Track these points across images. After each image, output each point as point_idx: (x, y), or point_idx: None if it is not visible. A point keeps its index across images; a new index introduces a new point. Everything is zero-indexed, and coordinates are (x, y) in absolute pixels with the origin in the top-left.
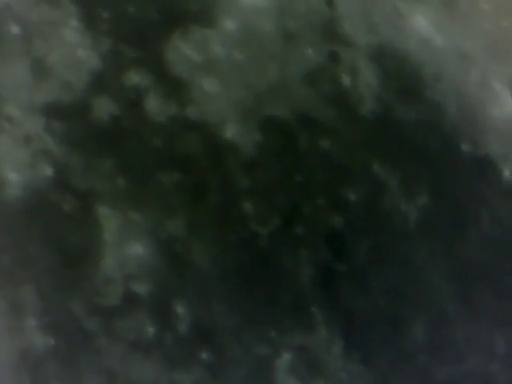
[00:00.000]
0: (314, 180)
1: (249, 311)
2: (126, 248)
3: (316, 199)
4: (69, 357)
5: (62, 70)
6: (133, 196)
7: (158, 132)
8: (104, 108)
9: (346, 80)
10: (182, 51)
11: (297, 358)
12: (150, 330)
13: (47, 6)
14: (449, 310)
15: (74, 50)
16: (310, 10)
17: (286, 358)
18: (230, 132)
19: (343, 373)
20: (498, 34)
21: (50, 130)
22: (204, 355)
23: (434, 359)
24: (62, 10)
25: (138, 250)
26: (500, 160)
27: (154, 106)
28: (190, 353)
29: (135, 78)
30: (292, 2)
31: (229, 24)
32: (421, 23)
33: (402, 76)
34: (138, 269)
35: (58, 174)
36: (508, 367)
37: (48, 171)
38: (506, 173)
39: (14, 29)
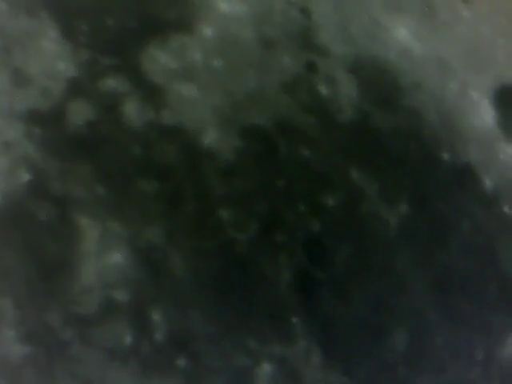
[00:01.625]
0: (292, 187)
1: (226, 319)
2: (104, 257)
3: (295, 206)
4: (46, 365)
5: (40, 79)
6: (111, 204)
7: (136, 138)
8: (82, 115)
9: (324, 89)
10: (160, 58)
11: (276, 368)
12: (127, 338)
13: (26, 18)
14: (429, 319)
15: (53, 60)
16: (287, 20)
17: (265, 368)
18: (208, 139)
19: (323, 383)
20: (478, 43)
21: (30, 137)
22: (181, 363)
23: (415, 368)
24: (40, 22)
25: (116, 258)
26: (479, 168)
27: (132, 112)
28: (167, 361)
29: (113, 85)
30: (269, 11)
31: (207, 32)
32: (400, 33)
33: (381, 85)
34: (115, 277)
35: (37, 180)
36: (488, 375)
37: (26, 178)
38: (486, 181)
39: None
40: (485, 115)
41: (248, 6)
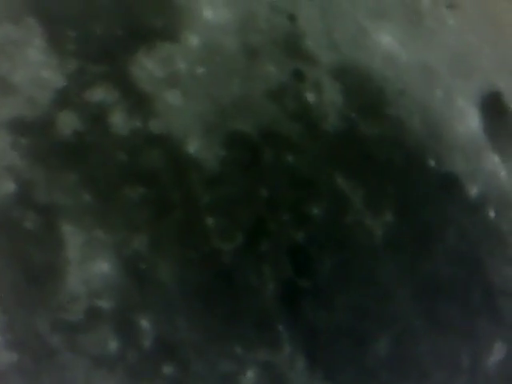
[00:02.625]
0: (278, 195)
1: (212, 327)
2: (90, 264)
3: (280, 214)
4: (33, 372)
5: (26, 88)
6: (97, 212)
7: (122, 146)
8: (68, 123)
9: (309, 96)
10: (147, 67)
11: (262, 374)
12: (114, 345)
13: (12, 26)
14: (414, 326)
15: (39, 68)
16: (272, 27)
17: (251, 374)
18: (193, 147)
19: None
20: (463, 49)
21: (15, 146)
22: (167, 370)
23: (399, 375)
24: (27, 30)
25: (102, 266)
26: (464, 176)
27: (119, 120)
28: (154, 368)
29: (99, 93)
30: (255, 19)
31: (192, 40)
32: (385, 40)
33: (366, 92)
34: (102, 285)
35: (22, 189)
36: (474, 382)
37: (12, 187)
38: (471, 189)
39: None
40: (470, 122)
41: (233, 13)
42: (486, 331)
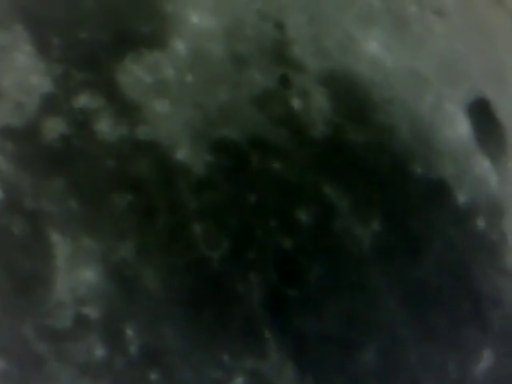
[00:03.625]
0: (265, 202)
1: (199, 334)
2: (76, 272)
3: (267, 221)
4: (19, 380)
5: (13, 93)
6: (84, 219)
7: (109, 153)
8: (55, 130)
9: (296, 102)
10: (134, 73)
11: (249, 382)
12: (100, 353)
13: None
14: (402, 335)
15: (26, 73)
16: (259, 34)
17: (238, 382)
18: (181, 153)
19: None
20: (451, 56)
21: (2, 152)
22: (153, 377)
23: (387, 383)
24: (14, 35)
25: (88, 273)
26: (453, 183)
27: (106, 127)
28: (140, 375)
29: (87, 99)
30: (242, 25)
31: (179, 46)
32: (372, 46)
33: (354, 98)
34: (88, 292)
35: (9, 196)
36: None
37: None
38: (460, 196)
39: None
40: (459, 129)
41: (220, 20)
42: (475, 339)
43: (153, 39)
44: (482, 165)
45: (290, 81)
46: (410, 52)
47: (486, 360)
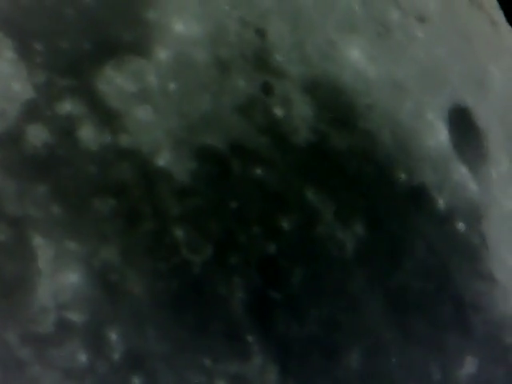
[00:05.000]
0: (247, 208)
1: (182, 338)
2: (59, 276)
3: (250, 227)
4: None
5: None
6: (67, 224)
7: (92, 159)
8: (38, 136)
9: (279, 110)
10: (116, 81)
11: None
12: (83, 357)
13: None
14: (385, 338)
15: (9, 81)
16: (242, 41)
17: None
18: (163, 160)
19: None
20: (433, 63)
21: None
22: (137, 382)
23: None
24: None
25: (72, 278)
26: (434, 189)
27: (88, 134)
28: (123, 380)
29: (69, 107)
30: (224, 33)
31: (162, 54)
32: (354, 53)
33: (336, 106)
34: (71, 297)
35: None
36: None
37: None
38: (441, 202)
39: None
40: (439, 135)
41: (203, 27)
42: (457, 345)
43: (135, 47)
44: (462, 171)
45: (273, 88)
46: (391, 59)
47: (468, 365)
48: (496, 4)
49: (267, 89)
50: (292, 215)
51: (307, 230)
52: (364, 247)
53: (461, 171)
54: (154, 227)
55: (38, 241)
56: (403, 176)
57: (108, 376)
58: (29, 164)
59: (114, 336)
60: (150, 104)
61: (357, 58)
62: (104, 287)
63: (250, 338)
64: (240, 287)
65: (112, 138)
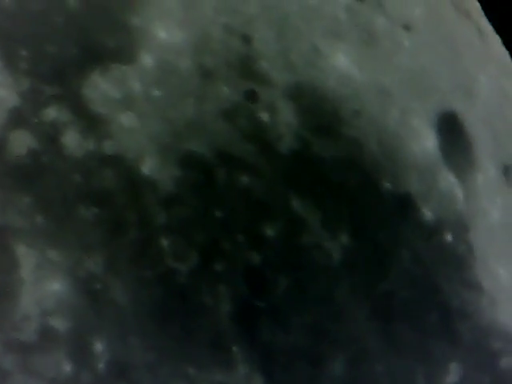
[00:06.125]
0: (233, 216)
1: (166, 348)
2: (43, 285)
3: (235, 235)
4: None
5: None
6: (51, 233)
7: (77, 168)
8: (22, 144)
9: (264, 116)
10: (101, 87)
11: None
12: (68, 367)
13: None
14: (370, 347)
15: None
16: (226, 48)
17: None
18: (148, 167)
19: None
20: (419, 70)
21: None
22: None
23: None
24: None
25: (55, 287)
26: (420, 197)
27: (73, 141)
28: None
29: (53, 113)
30: (209, 40)
31: (147, 61)
32: (340, 60)
33: (321, 113)
34: (55, 306)
35: None
36: None
37: None
38: (426, 210)
39: None
40: (426, 143)
41: (187, 34)
42: (443, 352)
43: (120, 53)
44: (449, 179)
45: (258, 95)
46: (377, 66)
47: (454, 373)
48: (482, 11)
49: (252, 96)
50: (277, 223)
51: (292, 238)
52: (349, 256)
53: (448, 179)
54: (139, 235)
55: (21, 250)
56: (389, 184)
57: None
58: (13, 172)
59: (98, 345)
60: (135, 111)
61: (342, 65)
62: (88, 296)
63: (234, 347)
64: (225, 296)
65: (97, 144)
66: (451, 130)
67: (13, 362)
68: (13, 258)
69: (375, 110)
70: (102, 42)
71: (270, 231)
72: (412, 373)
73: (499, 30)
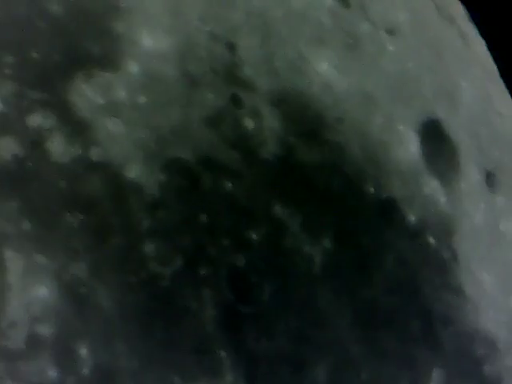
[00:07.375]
0: (217, 221)
1: (151, 353)
2: (29, 290)
3: (219, 240)
4: None
5: None
6: (37, 238)
7: (62, 173)
8: (7, 149)
9: (248, 122)
10: (86, 94)
11: None
12: (53, 372)
13: None
14: (353, 353)
15: None
16: (211, 55)
17: None
18: (133, 173)
19: None
20: (403, 76)
21: None
22: None
23: None
24: None
25: (42, 292)
26: (404, 202)
27: (58, 147)
28: None
29: (39, 119)
30: (193, 46)
31: (131, 67)
32: (324, 66)
33: (305, 119)
34: (41, 311)
35: None
36: None
37: None
38: (410, 215)
39: None
40: (410, 148)
41: (172, 41)
42: (426, 358)
43: (105, 60)
44: (433, 184)
45: (242, 101)
46: (361, 71)
47: (437, 380)
48: (466, 16)
49: (236, 102)
50: (260, 228)
51: (275, 243)
52: (332, 261)
53: (431, 184)
54: (124, 241)
55: (7, 255)
56: (372, 189)
57: None
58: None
59: (83, 350)
60: (120, 117)
61: (326, 71)
62: (73, 301)
63: (220, 353)
64: (210, 300)
65: (82, 150)
66: (434, 136)
67: (0, 368)
68: (0, 263)
69: (359, 116)
70: (86, 49)
71: (253, 236)
72: (395, 379)
73: (485, 33)
